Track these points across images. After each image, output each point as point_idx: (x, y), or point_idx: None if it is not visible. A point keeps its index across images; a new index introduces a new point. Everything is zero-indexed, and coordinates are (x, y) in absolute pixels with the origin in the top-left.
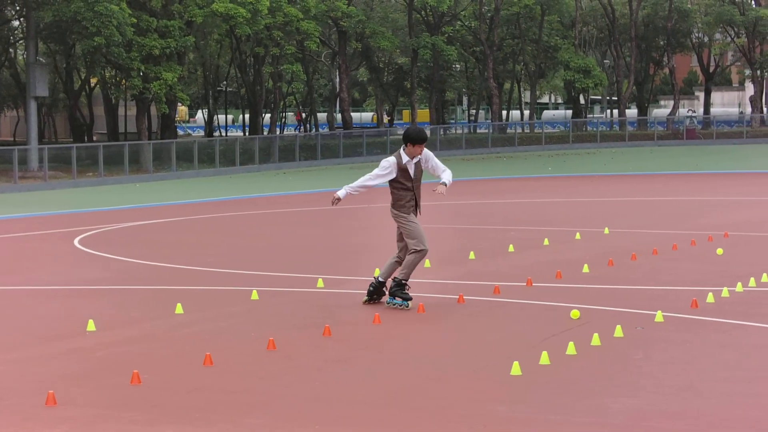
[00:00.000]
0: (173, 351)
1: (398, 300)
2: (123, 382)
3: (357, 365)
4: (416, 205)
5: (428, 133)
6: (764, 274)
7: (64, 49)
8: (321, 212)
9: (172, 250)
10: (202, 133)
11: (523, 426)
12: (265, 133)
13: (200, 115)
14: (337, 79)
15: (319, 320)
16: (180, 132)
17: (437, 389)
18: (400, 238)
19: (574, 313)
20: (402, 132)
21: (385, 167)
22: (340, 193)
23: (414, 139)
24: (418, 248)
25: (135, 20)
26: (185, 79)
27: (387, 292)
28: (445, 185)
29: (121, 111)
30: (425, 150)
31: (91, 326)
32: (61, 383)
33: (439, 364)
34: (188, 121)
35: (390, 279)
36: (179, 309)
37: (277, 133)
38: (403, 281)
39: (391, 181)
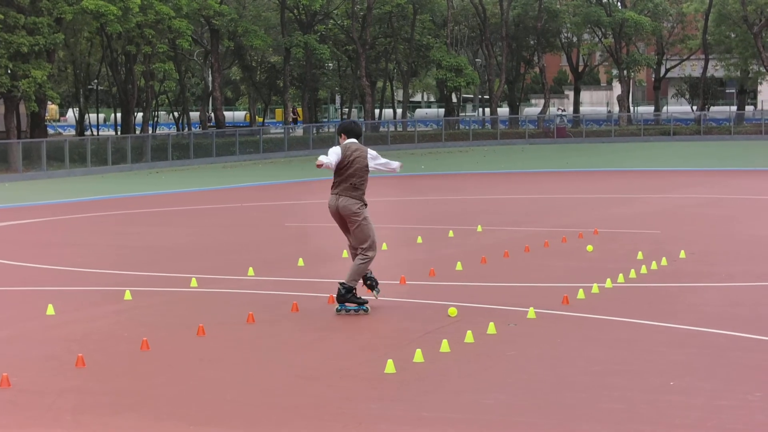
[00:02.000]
0: (44, 353)
1: (353, 306)
2: None
3: (231, 365)
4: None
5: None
6: (632, 270)
7: None
8: (194, 211)
9: (43, 251)
10: (73, 132)
11: (397, 423)
12: (138, 132)
13: (71, 114)
14: (210, 78)
15: (193, 320)
16: (50, 131)
17: (311, 388)
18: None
19: (452, 311)
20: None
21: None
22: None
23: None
24: (373, 252)
25: (2, 16)
26: (55, 77)
27: (336, 298)
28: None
29: None
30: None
31: None
32: None
33: (312, 362)
34: (59, 120)
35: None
36: (50, 310)
37: (150, 132)
38: (353, 286)
39: (367, 170)
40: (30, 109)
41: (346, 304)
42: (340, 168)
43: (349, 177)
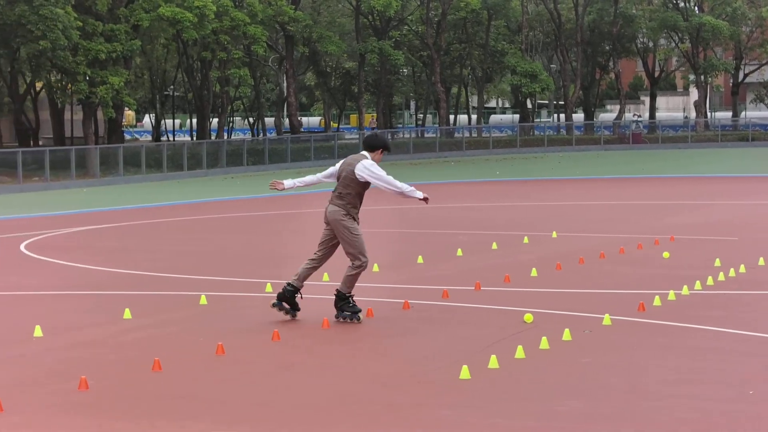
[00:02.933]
0: (121, 356)
1: (347, 313)
2: (70, 388)
3: (305, 370)
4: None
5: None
6: (710, 277)
7: (8, 52)
8: (269, 217)
9: (120, 255)
10: (149, 137)
11: (470, 430)
12: (213, 137)
13: (147, 120)
14: (285, 84)
15: (268, 325)
16: (127, 136)
17: (384, 394)
18: (326, 242)
19: (528, 317)
20: (363, 137)
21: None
22: (411, 190)
23: (389, 147)
24: (360, 262)
25: (81, 24)
26: (132, 84)
27: (336, 307)
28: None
29: (67, 115)
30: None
31: (38, 332)
32: (8, 390)
33: (387, 368)
34: (135, 126)
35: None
36: (127, 314)
37: (225, 137)
38: (347, 294)
39: (363, 184)
40: (107, 115)
41: (344, 311)
42: (338, 177)
43: (338, 185)
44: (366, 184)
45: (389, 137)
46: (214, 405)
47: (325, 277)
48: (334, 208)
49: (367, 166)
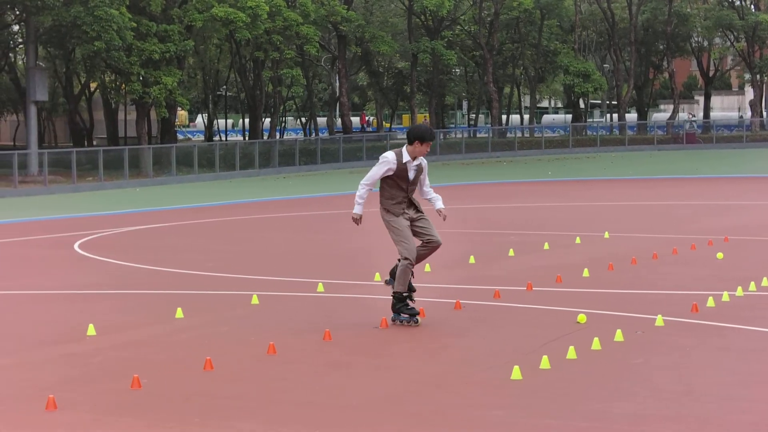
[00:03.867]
0: (173, 356)
1: (405, 316)
2: (122, 387)
3: (356, 370)
4: (412, 207)
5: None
6: (764, 278)
7: (63, 53)
8: (321, 216)
9: (172, 255)
10: (201, 137)
11: (521, 430)
12: (265, 137)
13: (200, 120)
14: (337, 84)
15: (320, 325)
16: (180, 136)
17: (435, 394)
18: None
19: (581, 318)
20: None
21: (383, 161)
22: (357, 210)
23: (424, 136)
24: (404, 256)
25: (135, 24)
26: (185, 84)
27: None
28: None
29: (120, 115)
30: (423, 159)
31: (91, 331)
32: (61, 388)
33: (438, 369)
34: (188, 126)
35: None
36: (179, 313)
37: (277, 137)
38: (404, 294)
39: (386, 178)
40: (160, 115)
41: (401, 314)
42: None
43: None
44: (387, 177)
45: (443, 137)
46: (265, 405)
47: (377, 276)
48: (379, 205)
49: (379, 163)
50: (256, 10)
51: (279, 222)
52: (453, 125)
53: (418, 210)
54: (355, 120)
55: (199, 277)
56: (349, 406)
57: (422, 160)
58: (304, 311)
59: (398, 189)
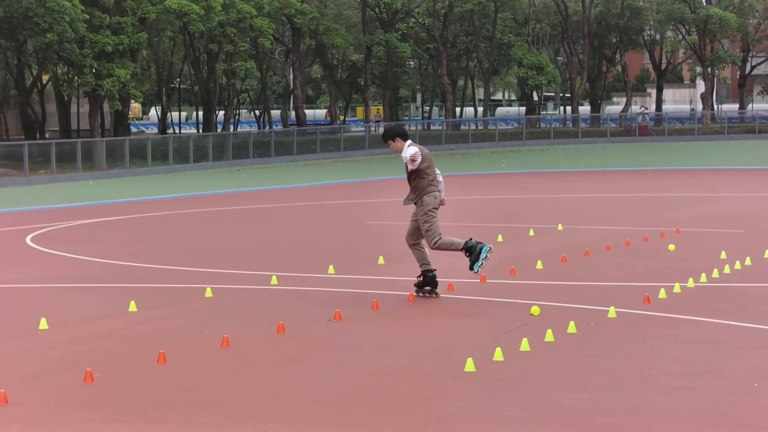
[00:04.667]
0: (127, 349)
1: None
2: (76, 381)
3: (310, 363)
4: (415, 200)
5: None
6: (715, 270)
7: (15, 45)
8: (275, 209)
9: (126, 248)
10: (155, 130)
11: (477, 422)
12: (219, 130)
13: (153, 113)
14: (291, 76)
15: (273, 318)
16: (133, 129)
17: (391, 387)
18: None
19: (534, 310)
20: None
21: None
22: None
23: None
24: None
25: (87, 16)
26: (138, 76)
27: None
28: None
29: (73, 108)
30: (402, 154)
31: (43, 324)
32: (14, 382)
33: (392, 361)
34: (141, 119)
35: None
36: (133, 307)
37: (231, 130)
38: (467, 247)
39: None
40: (114, 107)
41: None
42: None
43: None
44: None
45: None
46: (220, 398)
47: (331, 269)
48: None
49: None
50: (210, 2)
51: (233, 215)
52: (407, 118)
53: (417, 206)
54: (316, 113)
55: (152, 270)
56: (305, 398)
57: (402, 155)
58: (258, 304)
59: (411, 184)
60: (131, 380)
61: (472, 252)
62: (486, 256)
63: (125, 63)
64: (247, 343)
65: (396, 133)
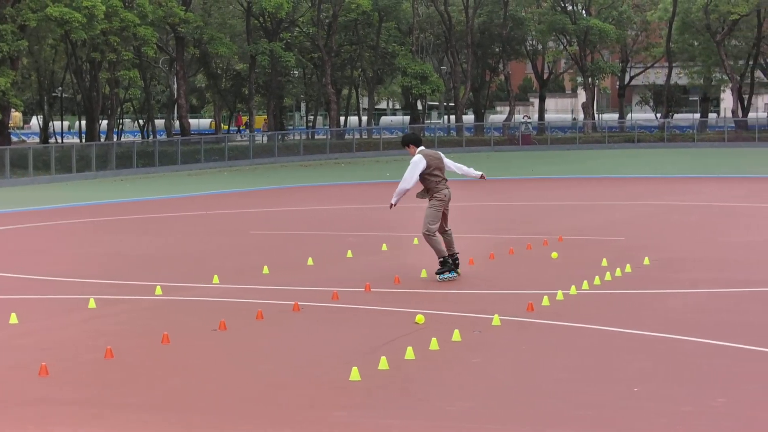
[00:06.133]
0: (8, 362)
1: (446, 275)
2: None
3: (196, 373)
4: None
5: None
6: (597, 277)
7: None
8: (159, 219)
9: (6, 259)
10: (37, 139)
11: (362, 431)
12: (102, 139)
13: (35, 122)
14: (175, 86)
15: (158, 328)
16: (14, 138)
17: (277, 396)
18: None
19: (419, 318)
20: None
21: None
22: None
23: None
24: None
25: None
26: (19, 85)
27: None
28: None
29: None
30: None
31: None
32: None
33: (277, 370)
34: (22, 128)
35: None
36: (13, 319)
37: (115, 139)
38: (441, 259)
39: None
40: None
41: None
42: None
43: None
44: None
45: (281, 138)
46: (104, 409)
47: (215, 279)
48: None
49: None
50: (93, 11)
51: (117, 224)
52: (291, 127)
53: (430, 200)
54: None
55: (34, 281)
56: (191, 408)
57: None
58: (142, 314)
59: (424, 184)
60: (12, 393)
61: (444, 266)
62: (447, 278)
63: (5, 71)
64: (132, 354)
65: (409, 141)
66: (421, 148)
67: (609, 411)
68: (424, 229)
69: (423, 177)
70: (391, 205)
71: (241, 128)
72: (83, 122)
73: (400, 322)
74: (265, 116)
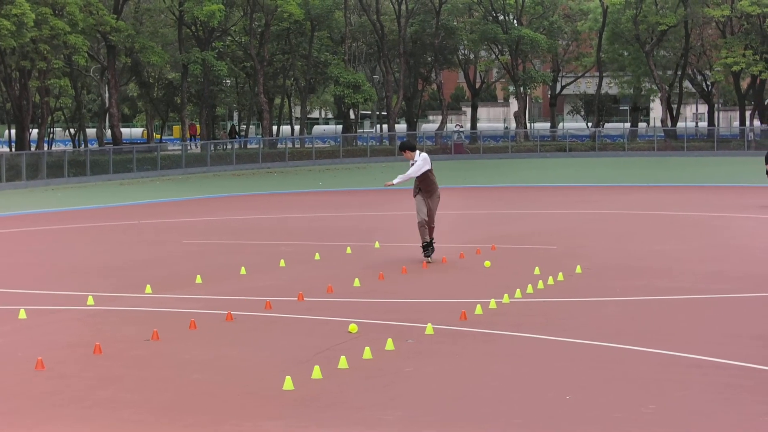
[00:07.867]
0: None
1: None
2: None
3: (128, 383)
4: (419, 190)
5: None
6: (529, 285)
7: None
8: (91, 229)
9: None
10: None
11: None
12: (33, 148)
13: None
14: (107, 94)
15: (90, 338)
16: None
17: (209, 405)
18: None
19: (352, 327)
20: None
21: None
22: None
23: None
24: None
25: None
26: None
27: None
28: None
29: None
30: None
31: None
32: None
33: (210, 380)
34: None
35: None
36: None
37: (45, 148)
38: (422, 244)
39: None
40: None
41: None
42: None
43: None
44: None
45: (210, 146)
46: (37, 421)
47: (148, 289)
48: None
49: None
50: (22, 18)
51: (47, 234)
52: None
53: (427, 196)
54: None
55: None
56: (123, 419)
57: (412, 161)
58: (74, 325)
59: (420, 181)
60: None
61: (426, 250)
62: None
63: None
64: (64, 364)
65: (406, 147)
66: (418, 151)
67: (542, 418)
68: (419, 219)
69: (425, 174)
70: (391, 184)
71: (196, 137)
72: (13, 131)
73: (333, 332)
74: (197, 125)
